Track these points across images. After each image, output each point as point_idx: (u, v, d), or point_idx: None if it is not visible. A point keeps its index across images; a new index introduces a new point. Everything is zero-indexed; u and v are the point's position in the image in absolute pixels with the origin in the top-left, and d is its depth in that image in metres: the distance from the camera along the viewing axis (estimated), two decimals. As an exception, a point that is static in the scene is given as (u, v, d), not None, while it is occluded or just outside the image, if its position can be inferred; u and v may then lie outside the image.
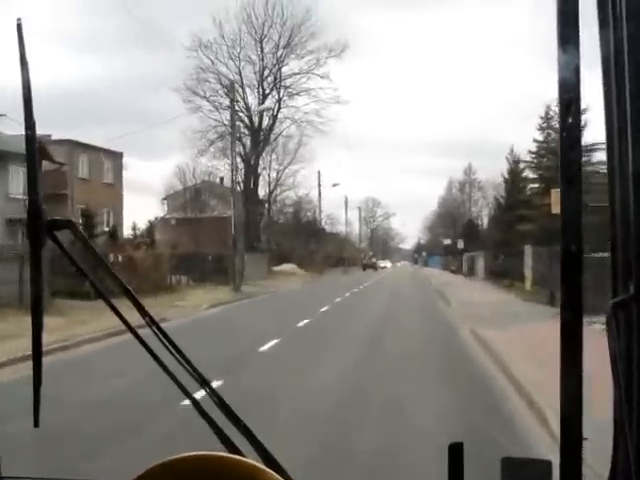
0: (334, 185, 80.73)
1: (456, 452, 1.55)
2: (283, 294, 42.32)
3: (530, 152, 52.00)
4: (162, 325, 1.67)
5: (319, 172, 75.84)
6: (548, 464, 1.61)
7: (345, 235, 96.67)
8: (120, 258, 32.52)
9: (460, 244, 73.27)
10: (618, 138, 1.32)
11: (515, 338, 17.76)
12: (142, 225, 48.28)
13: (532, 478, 1.60)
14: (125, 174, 51.82)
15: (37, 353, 1.64)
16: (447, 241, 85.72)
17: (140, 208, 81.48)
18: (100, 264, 1.66)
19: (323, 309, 29.20)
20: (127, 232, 46.49)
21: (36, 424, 1.63)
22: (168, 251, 41.92)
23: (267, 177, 69.70)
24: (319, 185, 76.94)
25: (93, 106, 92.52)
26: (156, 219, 57.15)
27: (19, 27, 1.68)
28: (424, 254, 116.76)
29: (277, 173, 70.32)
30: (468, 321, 22.50)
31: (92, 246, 1.66)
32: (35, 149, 1.63)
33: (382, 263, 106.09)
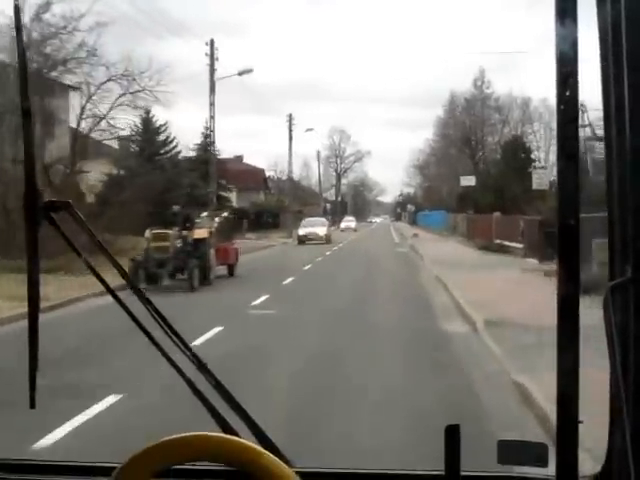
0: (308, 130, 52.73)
1: (453, 434, 1.55)
2: None
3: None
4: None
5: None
6: (544, 446, 1.62)
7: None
8: None
9: (547, 174, 30.37)
10: (616, 116, 1.31)
11: None
12: None
13: (528, 460, 1.60)
14: None
15: (33, 334, 1.63)
16: (468, 181, 45.25)
17: None
18: (97, 246, 1.66)
19: None
20: None
21: (32, 405, 1.63)
22: None
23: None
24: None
25: None
26: None
27: (16, 8, 1.68)
28: (410, 207, 77.37)
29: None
30: None
31: (89, 228, 1.66)
32: (32, 129, 1.63)
33: (304, 229, 45.56)
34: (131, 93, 31.21)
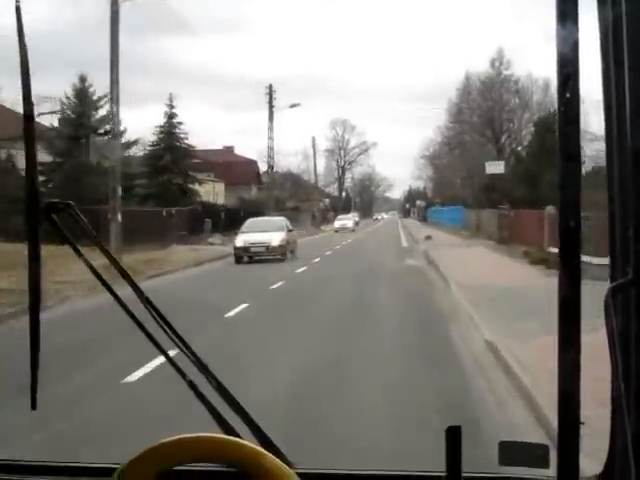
0: (293, 106, 46.81)
1: (454, 435, 1.55)
2: None
3: None
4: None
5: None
6: (545, 447, 1.62)
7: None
8: None
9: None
10: (617, 116, 1.32)
11: None
12: None
13: (529, 461, 1.60)
14: None
15: (34, 335, 1.63)
16: (495, 167, 36.51)
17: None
18: (98, 246, 1.67)
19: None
20: None
21: (33, 406, 1.62)
22: None
23: None
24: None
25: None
26: None
27: (18, 10, 1.68)
28: (420, 203, 71.70)
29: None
30: None
31: (90, 228, 1.66)
32: (33, 131, 1.63)
33: (244, 237, 27.17)
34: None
